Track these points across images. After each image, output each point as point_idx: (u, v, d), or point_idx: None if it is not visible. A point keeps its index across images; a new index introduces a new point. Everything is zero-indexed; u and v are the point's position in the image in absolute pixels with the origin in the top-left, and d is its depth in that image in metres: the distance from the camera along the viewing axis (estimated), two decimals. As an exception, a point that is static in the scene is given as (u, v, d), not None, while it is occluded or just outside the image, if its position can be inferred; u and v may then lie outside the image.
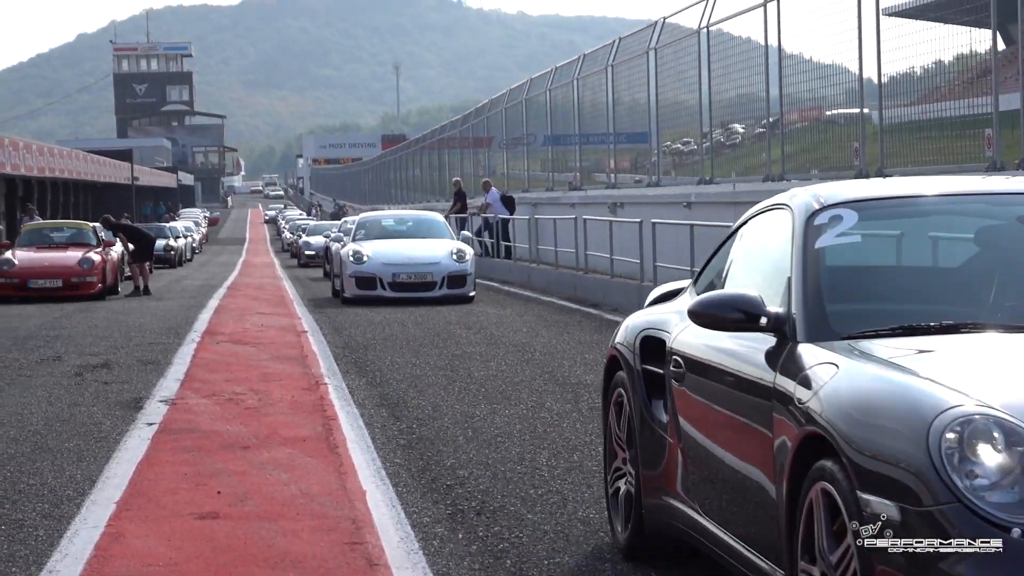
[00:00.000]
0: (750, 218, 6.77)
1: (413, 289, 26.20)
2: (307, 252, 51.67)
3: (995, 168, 16.27)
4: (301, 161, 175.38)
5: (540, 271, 31.31)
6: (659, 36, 29.82)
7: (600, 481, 8.71)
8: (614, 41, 33.92)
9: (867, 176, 19.58)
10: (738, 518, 5.82)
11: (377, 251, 26.72)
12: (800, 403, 5.06)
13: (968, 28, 19.58)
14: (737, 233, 6.86)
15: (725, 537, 5.91)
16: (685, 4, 27.95)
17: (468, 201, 41.20)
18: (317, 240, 50.21)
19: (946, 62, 20.05)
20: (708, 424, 6.21)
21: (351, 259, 26.60)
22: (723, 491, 6.00)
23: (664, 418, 6.74)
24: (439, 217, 30.67)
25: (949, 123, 18.36)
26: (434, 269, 26.26)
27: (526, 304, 25.53)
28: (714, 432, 6.12)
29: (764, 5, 23.10)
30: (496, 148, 50.08)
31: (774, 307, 5.67)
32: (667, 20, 29.81)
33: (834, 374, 4.99)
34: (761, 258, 6.43)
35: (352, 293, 26.49)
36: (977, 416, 4.38)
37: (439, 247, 27.02)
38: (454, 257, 26.47)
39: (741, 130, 28.16)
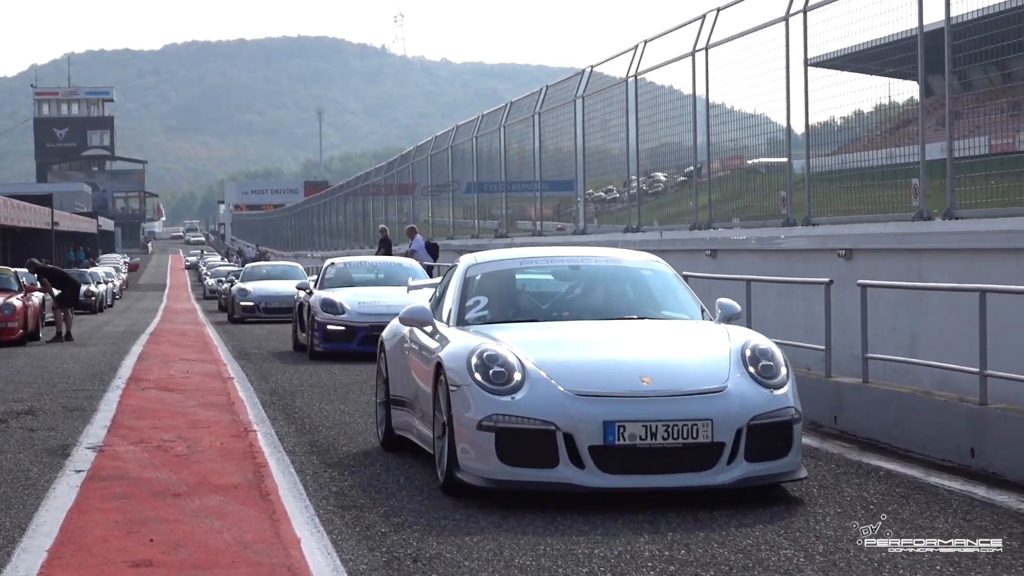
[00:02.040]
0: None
1: (657, 468, 20.73)
2: (244, 303, 41.59)
3: (921, 217, 16.43)
4: (223, 207, 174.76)
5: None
6: (586, 84, 29.98)
7: (535, 528, 8.74)
8: (541, 89, 34.07)
9: (794, 224, 19.76)
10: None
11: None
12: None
13: (889, 79, 19.82)
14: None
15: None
16: (611, 53, 28.15)
17: (393, 248, 41.12)
18: (265, 288, 41.98)
19: (866, 112, 20.28)
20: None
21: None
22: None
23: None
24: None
25: (876, 172, 18.55)
26: (713, 409, 20.89)
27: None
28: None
29: (692, 55, 23.27)
30: (420, 195, 50.11)
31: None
32: (595, 68, 29.98)
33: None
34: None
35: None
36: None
37: (704, 343, 21.92)
38: (751, 372, 21.78)
39: (663, 178, 28.35)
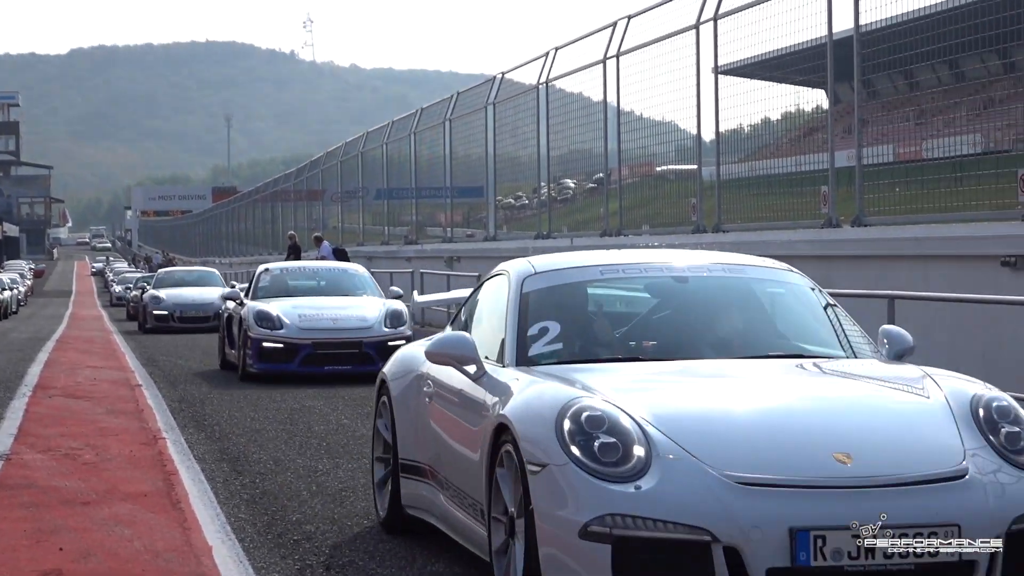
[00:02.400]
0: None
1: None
2: (157, 312, 38.82)
3: (831, 224, 16.56)
4: (129, 213, 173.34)
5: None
6: (498, 91, 30.02)
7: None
8: (452, 95, 34.11)
9: (704, 231, 19.86)
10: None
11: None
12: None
13: (797, 88, 20.01)
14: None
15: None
16: (523, 60, 28.20)
17: (303, 255, 40.99)
18: (182, 295, 39.47)
19: (775, 119, 20.46)
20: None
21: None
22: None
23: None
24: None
25: (785, 180, 18.70)
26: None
27: (363, 358, 25.34)
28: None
29: (603, 62, 23.37)
30: (329, 201, 49.97)
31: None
32: (506, 75, 30.03)
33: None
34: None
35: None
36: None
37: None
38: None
39: (572, 185, 28.46)
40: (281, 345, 20.47)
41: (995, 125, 15.95)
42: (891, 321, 11.81)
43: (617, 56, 22.99)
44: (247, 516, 9.84)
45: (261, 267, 23.85)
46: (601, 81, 23.60)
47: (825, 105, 20.91)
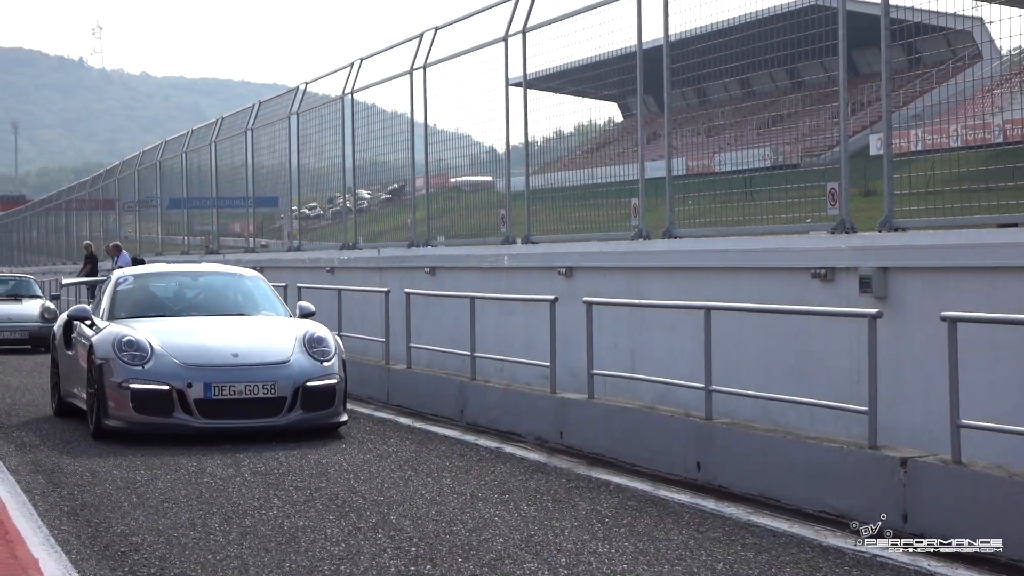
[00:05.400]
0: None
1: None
2: None
3: (641, 236, 16.81)
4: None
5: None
6: (301, 101, 29.90)
7: (278, 545, 8.71)
8: (255, 105, 33.86)
9: (514, 242, 20.02)
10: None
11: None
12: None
13: (598, 102, 20.32)
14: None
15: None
16: (324, 71, 28.14)
17: (99, 264, 40.31)
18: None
19: (585, 131, 20.70)
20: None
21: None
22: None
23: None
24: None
25: (596, 191, 18.90)
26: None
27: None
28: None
29: (410, 73, 23.41)
30: (125, 210, 49.27)
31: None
32: (309, 85, 29.94)
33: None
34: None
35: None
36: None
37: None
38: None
39: (367, 196, 28.49)
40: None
41: (785, 140, 16.36)
42: (708, 332, 12.04)
43: (424, 67, 23.04)
44: (71, 528, 9.72)
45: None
46: (408, 92, 23.62)
47: (618, 118, 21.27)
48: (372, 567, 8.42)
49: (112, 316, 15.97)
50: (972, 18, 13.61)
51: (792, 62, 15.37)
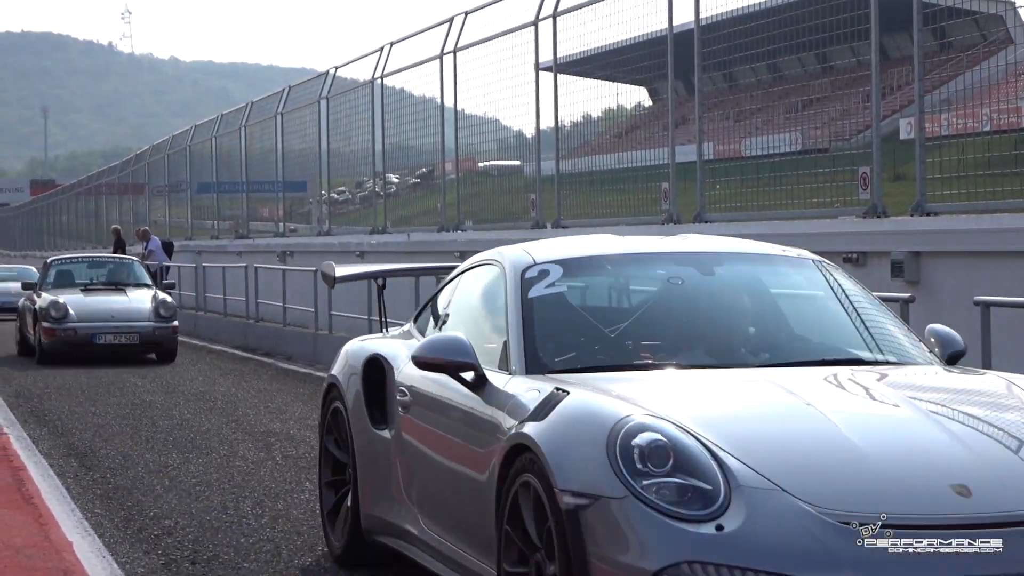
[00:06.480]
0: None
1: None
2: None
3: (671, 220, 16.79)
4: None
5: (207, 319, 31.00)
6: (331, 86, 29.92)
7: (310, 529, 8.75)
8: (284, 89, 33.90)
9: (544, 227, 20.01)
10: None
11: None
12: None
13: (623, 86, 20.30)
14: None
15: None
16: (352, 56, 28.19)
17: (128, 249, 40.46)
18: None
19: (594, 116, 20.71)
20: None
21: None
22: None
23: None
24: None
25: (624, 176, 18.89)
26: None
27: (197, 352, 25.20)
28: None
29: (440, 57, 23.40)
30: (154, 194, 49.40)
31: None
32: (339, 70, 29.96)
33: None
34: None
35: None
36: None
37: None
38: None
39: (396, 180, 28.50)
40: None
41: (814, 124, 16.34)
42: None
43: (455, 52, 23.03)
44: (103, 511, 9.76)
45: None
46: (439, 76, 23.61)
47: (646, 102, 21.23)
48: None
49: (541, 362, 6.35)
50: (1004, 2, 13.59)
51: (822, 47, 15.34)
